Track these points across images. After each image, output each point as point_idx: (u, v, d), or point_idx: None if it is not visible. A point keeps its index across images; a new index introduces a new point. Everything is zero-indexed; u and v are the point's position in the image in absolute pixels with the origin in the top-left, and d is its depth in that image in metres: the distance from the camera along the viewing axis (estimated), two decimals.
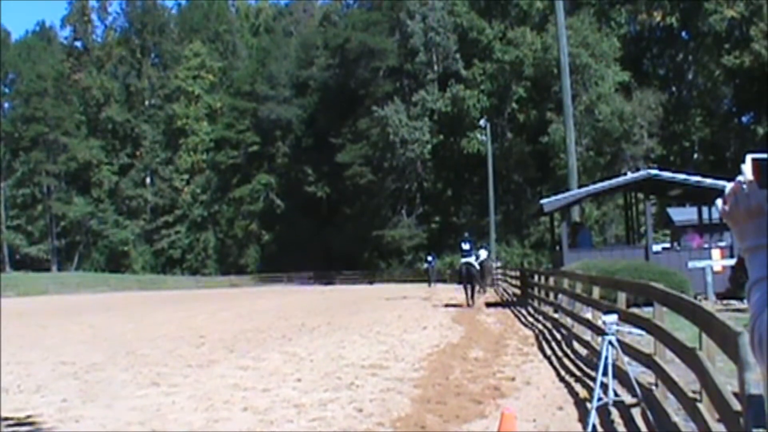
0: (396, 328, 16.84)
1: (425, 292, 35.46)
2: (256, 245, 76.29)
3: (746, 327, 1.42)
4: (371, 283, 56.99)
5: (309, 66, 71.81)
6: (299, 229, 67.67)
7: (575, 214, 26.40)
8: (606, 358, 6.08)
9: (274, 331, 17.08)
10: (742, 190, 1.34)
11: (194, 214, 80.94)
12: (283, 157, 73.62)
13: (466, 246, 25.43)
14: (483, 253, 32.19)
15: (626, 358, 6.70)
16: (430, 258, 47.92)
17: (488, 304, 24.05)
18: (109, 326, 21.12)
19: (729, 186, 1.38)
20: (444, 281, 48.08)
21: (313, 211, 68.11)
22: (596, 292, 10.05)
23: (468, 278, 24.12)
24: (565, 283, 13.16)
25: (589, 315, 10.78)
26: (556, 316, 14.23)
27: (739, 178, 1.35)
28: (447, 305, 25.80)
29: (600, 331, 7.79)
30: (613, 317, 6.27)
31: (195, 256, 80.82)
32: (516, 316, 18.81)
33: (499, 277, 38.25)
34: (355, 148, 62.20)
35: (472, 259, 24.92)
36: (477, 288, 25.21)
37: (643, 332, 6.35)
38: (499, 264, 41.26)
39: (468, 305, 24.24)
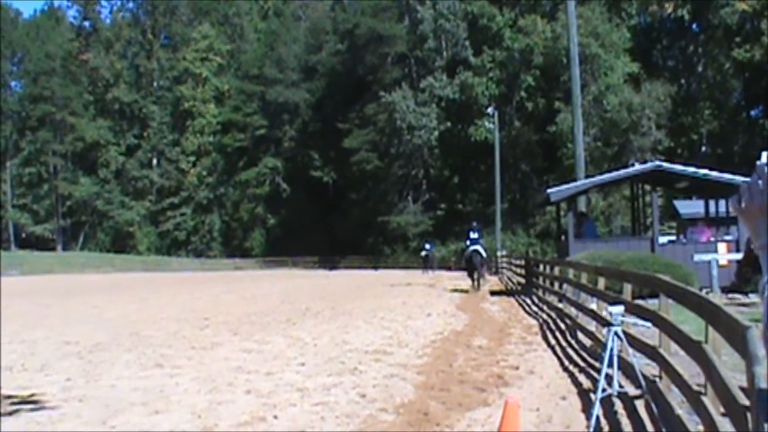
0: (400, 314, 16.87)
1: (429, 279, 35.54)
2: (261, 229, 76.43)
3: (755, 322, 1.40)
4: (376, 268, 57.14)
5: (317, 50, 71.63)
6: (305, 214, 67.77)
7: (581, 205, 26.34)
8: (611, 349, 6.06)
9: (278, 315, 17.14)
10: (756, 186, 1.32)
11: (200, 196, 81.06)
12: (290, 141, 73.59)
13: (474, 234, 25.64)
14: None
15: (631, 350, 6.68)
16: (428, 245, 48.17)
17: (493, 293, 24.09)
18: (113, 307, 21.21)
19: (744, 182, 1.36)
20: (448, 268, 48.21)
21: (319, 195, 68.16)
22: (601, 282, 10.01)
23: (475, 266, 24.43)
24: (570, 273, 13.13)
25: (593, 305, 10.75)
26: (560, 305, 14.22)
27: (754, 175, 1.33)
28: (452, 291, 25.87)
29: (605, 322, 7.77)
30: (620, 308, 6.26)
31: (200, 238, 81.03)
32: (520, 305, 18.81)
33: (504, 265, 38.31)
34: (361, 133, 62.12)
35: (479, 248, 25.13)
36: (482, 276, 25.47)
37: (649, 324, 6.33)
38: (504, 252, 41.27)
39: (474, 288, 24.52)
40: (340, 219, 63.59)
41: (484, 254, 25.72)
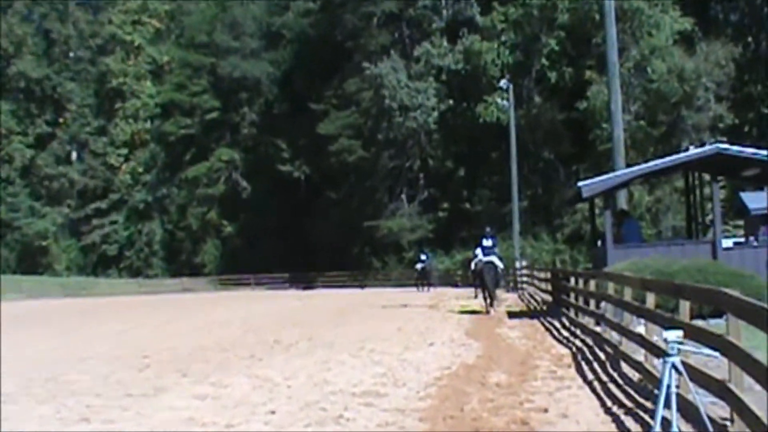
0: (395, 344, 16.86)
1: (430, 299, 35.59)
2: (215, 239, 76.36)
3: None
4: (362, 286, 57.22)
5: (283, 10, 71.70)
6: (271, 219, 67.77)
7: (621, 201, 26.44)
8: (668, 385, 6.06)
9: (239, 349, 17.07)
10: None
11: (135, 199, 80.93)
12: (250, 127, 73.63)
13: (487, 242, 25.80)
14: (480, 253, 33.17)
15: (692, 386, 6.68)
16: (424, 256, 48.48)
17: (511, 314, 24.18)
18: (23, 345, 21.05)
19: None
20: (455, 285, 48.28)
21: (289, 196, 68.15)
22: (650, 299, 10.02)
23: (489, 281, 24.53)
24: (610, 287, 13.15)
25: (641, 329, 10.75)
26: (598, 329, 14.21)
27: None
28: (460, 313, 25.88)
29: (658, 351, 7.76)
30: (677, 333, 6.25)
31: (136, 253, 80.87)
32: (547, 329, 18.86)
33: (525, 279, 38.37)
34: (341, 116, 62.17)
35: (494, 258, 25.24)
36: (494, 296, 25.60)
37: (715, 353, 6.33)
38: (524, 263, 41.45)
39: (488, 309, 24.68)
40: (316, 225, 63.59)
41: (500, 266, 25.80)
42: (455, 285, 48.59)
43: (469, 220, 57.75)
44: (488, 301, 25.59)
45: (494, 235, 27.26)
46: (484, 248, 26.23)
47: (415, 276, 48.80)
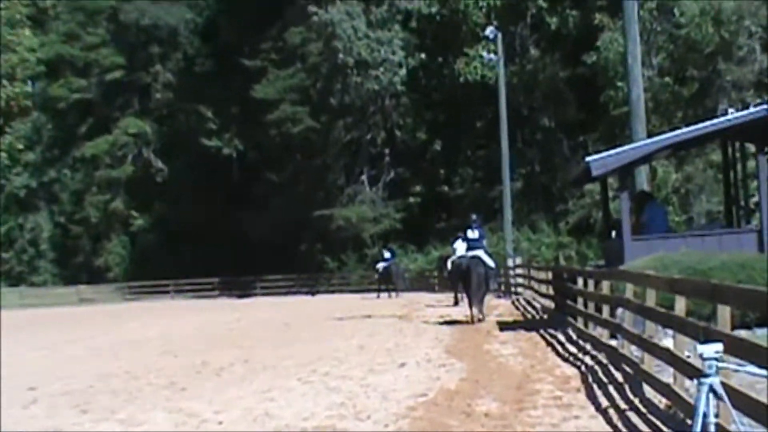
0: (356, 365, 16.92)
1: (400, 307, 35.57)
2: (122, 236, 75.85)
3: None
4: (314, 293, 57.37)
5: None
6: (194, 210, 67.33)
7: (642, 180, 26.53)
8: (704, 413, 6.12)
9: (156, 376, 17.06)
10: None
11: (14, 184, 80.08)
12: (165, 91, 73.04)
13: (473, 233, 25.89)
14: (461, 248, 33.51)
15: (735, 413, 6.75)
16: (387, 254, 48.59)
17: (503, 325, 24.20)
18: None
19: None
20: (431, 289, 48.36)
21: (218, 179, 67.85)
22: (680, 304, 10.09)
23: (475, 283, 24.57)
24: (629, 290, 13.23)
25: (668, 342, 10.82)
26: (613, 343, 14.26)
27: None
28: (438, 324, 25.99)
29: (691, 370, 7.82)
30: (715, 347, 6.30)
31: (17, 254, 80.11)
32: (549, 343, 18.92)
33: (520, 281, 38.49)
34: (282, 75, 61.84)
35: (480, 254, 25.31)
36: (481, 300, 25.72)
37: (763, 371, 6.40)
38: (518, 261, 41.61)
39: (474, 317, 25.05)
40: (252, 216, 63.26)
41: (489, 264, 25.89)
42: (432, 289, 48.65)
43: (448, 207, 57.88)
44: (475, 308, 25.63)
45: (481, 226, 27.29)
46: (468, 241, 26.28)
47: (377, 278, 48.83)
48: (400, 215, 59.87)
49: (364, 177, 61.70)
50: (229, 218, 65.48)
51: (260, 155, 65.52)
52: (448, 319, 27.60)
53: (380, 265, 48.23)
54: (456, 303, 34.25)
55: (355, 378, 15.19)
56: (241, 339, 24.98)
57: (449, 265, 36.17)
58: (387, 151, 62.17)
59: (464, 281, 26.28)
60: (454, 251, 36.06)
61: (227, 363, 18.52)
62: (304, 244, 63.45)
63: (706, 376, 6.23)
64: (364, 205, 60.33)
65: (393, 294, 45.62)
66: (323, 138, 61.27)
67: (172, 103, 72.54)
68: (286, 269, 62.34)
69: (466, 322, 25.56)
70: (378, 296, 45.89)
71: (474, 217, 27.17)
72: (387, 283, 47.12)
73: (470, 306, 26.03)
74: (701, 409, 6.15)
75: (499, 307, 32.00)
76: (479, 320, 25.35)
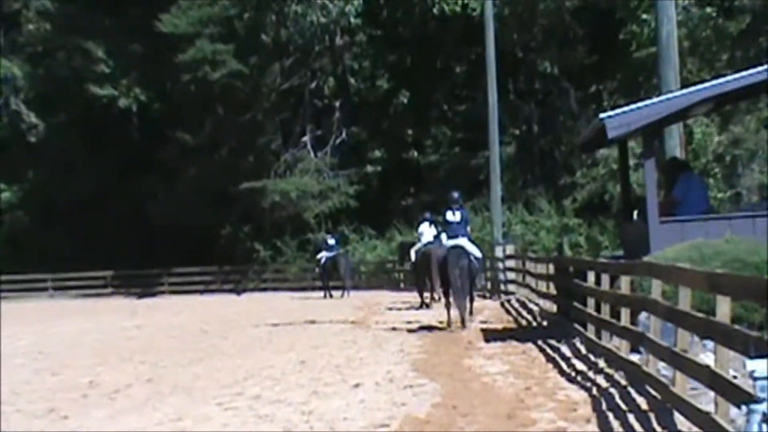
0: (295, 386, 16.95)
1: (355, 309, 35.64)
2: None
3: None
4: (239, 292, 57.56)
5: None
6: (81, 180, 66.77)
7: (673, 144, 26.65)
8: None
9: (29, 401, 16.94)
10: None
11: None
12: (41, 21, 72.33)
13: (453, 215, 25.93)
14: (428, 233, 34.50)
15: None
16: (331, 240, 48.79)
17: (490, 334, 24.30)
18: None
19: None
20: (394, 286, 48.47)
21: (111, 139, 67.37)
22: (724, 307, 10.07)
23: (456, 278, 24.75)
24: (656, 289, 13.24)
25: (708, 358, 10.80)
26: (635, 358, 14.30)
27: None
28: (404, 331, 26.09)
29: (738, 394, 7.79)
30: None
31: None
32: (550, 358, 18.98)
33: (511, 277, 38.58)
34: (198, 2, 61.52)
35: (463, 242, 25.37)
36: (463, 302, 25.91)
37: None
38: (509, 250, 41.70)
39: (448, 327, 25.54)
40: (157, 189, 62.99)
41: (474, 254, 26.01)
42: (396, 286, 48.72)
43: (417, 179, 57.93)
44: (456, 311, 25.72)
45: (463, 205, 27.31)
46: (447, 225, 26.31)
47: (319, 273, 48.88)
48: (354, 189, 59.78)
49: (306, 139, 61.60)
50: (126, 192, 65.09)
51: (168, 109, 65.02)
52: (416, 325, 27.65)
53: (323, 256, 48.22)
54: (423, 305, 34.36)
55: (294, 403, 15.15)
56: (142, 351, 24.90)
57: (413, 255, 36.30)
58: (337, 104, 62.07)
59: (442, 276, 26.32)
60: (419, 237, 36.20)
61: (123, 383, 18.45)
62: (226, 227, 63.15)
63: (759, 401, 6.20)
64: (306, 175, 60.27)
65: (345, 293, 45.64)
66: (253, 87, 61.09)
67: (49, 37, 71.64)
68: (203, 260, 62.07)
69: (442, 329, 25.65)
70: (325, 296, 46.24)
71: (455, 195, 27.11)
72: (332, 278, 47.17)
73: (447, 308, 26.07)
74: None
75: (484, 311, 32.07)
76: (460, 327, 25.39)
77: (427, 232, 35.90)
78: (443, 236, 32.14)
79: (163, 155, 63.94)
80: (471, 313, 26.36)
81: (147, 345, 26.73)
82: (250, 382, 17.71)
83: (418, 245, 36.17)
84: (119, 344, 27.43)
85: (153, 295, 60.42)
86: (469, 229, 27.24)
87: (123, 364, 21.98)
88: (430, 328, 26.33)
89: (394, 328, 27.46)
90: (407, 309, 34.81)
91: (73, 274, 65.35)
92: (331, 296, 46.25)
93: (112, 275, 65.64)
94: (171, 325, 33.92)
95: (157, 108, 66.24)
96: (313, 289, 49.44)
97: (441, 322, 26.28)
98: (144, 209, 63.48)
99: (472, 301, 26.77)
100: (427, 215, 37.25)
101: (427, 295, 35.81)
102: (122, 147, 67.10)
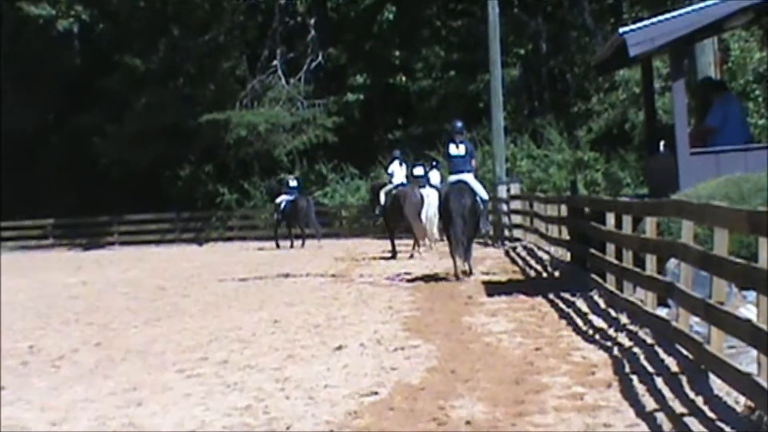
0: (268, 350, 17.02)
1: (335, 261, 35.83)
2: None
3: None
4: (202, 242, 58.01)
5: None
6: (14, 115, 66.39)
7: (706, 61, 26.59)
8: None
9: None
10: None
11: None
12: None
13: (456, 149, 26.16)
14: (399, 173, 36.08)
15: None
16: (293, 182, 49.18)
17: (492, 287, 24.37)
18: None
19: None
20: (380, 233, 48.65)
21: (49, 67, 67.10)
22: (767, 251, 10.08)
23: (459, 221, 25.35)
24: (687, 231, 13.23)
25: (750, 311, 10.78)
26: (663, 313, 14.32)
27: None
28: (391, 285, 26.36)
29: None
30: None
31: None
32: (563, 315, 19.02)
33: (517, 221, 38.67)
34: None
35: (469, 178, 25.63)
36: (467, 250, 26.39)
37: None
38: (514, 189, 41.77)
39: (456, 278, 25.93)
40: (104, 124, 62.73)
41: (482, 195, 26.29)
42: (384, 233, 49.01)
43: (406, 108, 57.94)
44: (458, 258, 26.08)
45: (464, 137, 27.40)
46: (452, 159, 26.49)
47: (278, 219, 49.39)
48: (333, 121, 59.62)
49: (277, 63, 61.40)
50: (67, 128, 65.06)
51: (115, 30, 64.74)
52: (408, 278, 27.66)
53: (282, 200, 48.36)
54: (394, 256, 34.62)
55: (266, 369, 15.21)
56: (89, 312, 24.93)
57: (383, 197, 36.41)
58: (312, 21, 61.81)
59: (445, 218, 26.45)
60: (390, 178, 36.33)
61: (68, 348, 18.49)
62: (185, 168, 63.03)
63: None
64: (277, 105, 60.17)
65: (316, 241, 45.99)
66: (213, 2, 60.78)
67: None
68: (158, 206, 61.95)
69: (440, 278, 25.74)
70: (278, 245, 47.43)
71: (459, 124, 27.36)
72: (290, 225, 47.50)
73: (452, 255, 26.20)
74: None
75: (486, 260, 32.16)
76: (460, 277, 25.79)
77: (398, 172, 36.11)
78: (433, 175, 32.42)
79: (110, 84, 63.76)
80: (465, 263, 26.41)
81: (94, 304, 26.72)
82: (215, 345, 17.74)
83: (389, 187, 36.31)
84: (62, 304, 27.39)
85: (101, 246, 60.48)
86: (474, 163, 27.29)
87: (67, 326, 21.99)
88: (426, 279, 26.39)
89: (381, 282, 27.54)
90: (396, 260, 34.83)
91: (8, 224, 65.06)
92: (291, 246, 46.97)
93: (53, 224, 65.38)
94: (122, 281, 33.93)
95: (101, 29, 65.91)
96: (286, 237, 49.44)
97: (434, 272, 26.31)
98: (89, 148, 63.32)
99: (468, 248, 26.81)
100: (397, 153, 37.62)
101: (399, 243, 36.17)
102: (62, 76, 66.89)
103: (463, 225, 25.65)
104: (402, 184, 35.63)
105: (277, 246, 47.30)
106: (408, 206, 34.55)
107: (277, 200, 49.16)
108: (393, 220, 35.87)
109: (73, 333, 20.64)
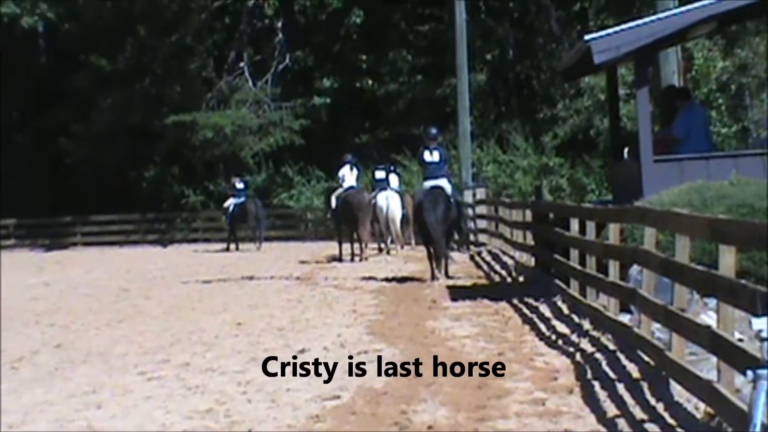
0: (231, 352, 17.05)
1: (299, 264, 35.85)
2: None
3: None
4: (166, 243, 57.77)
5: None
6: None
7: (671, 70, 26.69)
8: (763, 424, 6.10)
9: None
10: None
11: None
12: None
13: (431, 155, 26.48)
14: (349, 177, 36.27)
15: None
16: (240, 185, 49.77)
17: (456, 292, 24.37)
18: None
19: None
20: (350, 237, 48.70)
21: (15, 66, 66.82)
22: (729, 259, 10.11)
23: (435, 226, 25.67)
24: (648, 238, 13.31)
25: (709, 318, 10.82)
26: (625, 319, 14.40)
27: None
28: (356, 289, 26.29)
29: (742, 358, 7.81)
30: None
31: None
32: (526, 320, 19.08)
33: (482, 225, 38.71)
34: None
35: (444, 183, 25.85)
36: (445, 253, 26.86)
37: None
38: (479, 194, 41.85)
39: (433, 278, 26.43)
40: (69, 124, 62.52)
41: (453, 197, 26.70)
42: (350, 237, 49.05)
43: (373, 112, 57.85)
44: (435, 260, 26.58)
45: (438, 144, 27.60)
46: (427, 166, 26.64)
47: (228, 222, 49.79)
48: (299, 124, 59.50)
49: (244, 65, 61.35)
50: (32, 127, 64.82)
51: (81, 29, 64.52)
52: (372, 281, 27.73)
53: (231, 203, 48.81)
54: (340, 259, 34.89)
55: (228, 372, 15.24)
56: (50, 313, 24.90)
57: (333, 201, 36.69)
58: (280, 24, 61.79)
59: (421, 225, 26.69)
60: (341, 181, 36.54)
61: (28, 350, 18.48)
62: (150, 169, 62.82)
63: (765, 366, 6.20)
64: (244, 107, 60.11)
65: (258, 245, 46.10)
66: (180, 3, 60.64)
67: None
68: (122, 206, 61.55)
69: (405, 281, 25.80)
70: (228, 248, 47.96)
71: (434, 131, 27.72)
72: (240, 228, 48.30)
73: (429, 259, 26.89)
74: (758, 416, 6.13)
75: (450, 265, 32.12)
76: (432, 279, 26.22)
77: (348, 175, 36.31)
78: (392, 179, 32.64)
79: (76, 84, 63.49)
80: (440, 265, 26.61)
81: (56, 305, 26.67)
82: (177, 347, 17.73)
83: (339, 191, 36.52)
84: (23, 305, 27.26)
85: (64, 247, 60.07)
86: (447, 169, 27.47)
87: (27, 328, 21.96)
88: (393, 281, 26.46)
89: (346, 285, 27.54)
90: (360, 262, 34.90)
91: None
92: (237, 249, 47.52)
93: (15, 224, 64.90)
94: (84, 282, 33.81)
95: (67, 28, 65.68)
96: (252, 240, 49.41)
97: (399, 275, 26.42)
98: (53, 147, 63.12)
99: (446, 248, 27.09)
100: (348, 157, 37.70)
101: (347, 247, 36.34)
102: (26, 74, 66.62)
103: (440, 231, 25.80)
104: (351, 188, 35.79)
105: (227, 249, 47.77)
106: (358, 208, 34.79)
107: (225, 204, 49.22)
108: (342, 223, 36.18)
109: (33, 334, 20.60)
